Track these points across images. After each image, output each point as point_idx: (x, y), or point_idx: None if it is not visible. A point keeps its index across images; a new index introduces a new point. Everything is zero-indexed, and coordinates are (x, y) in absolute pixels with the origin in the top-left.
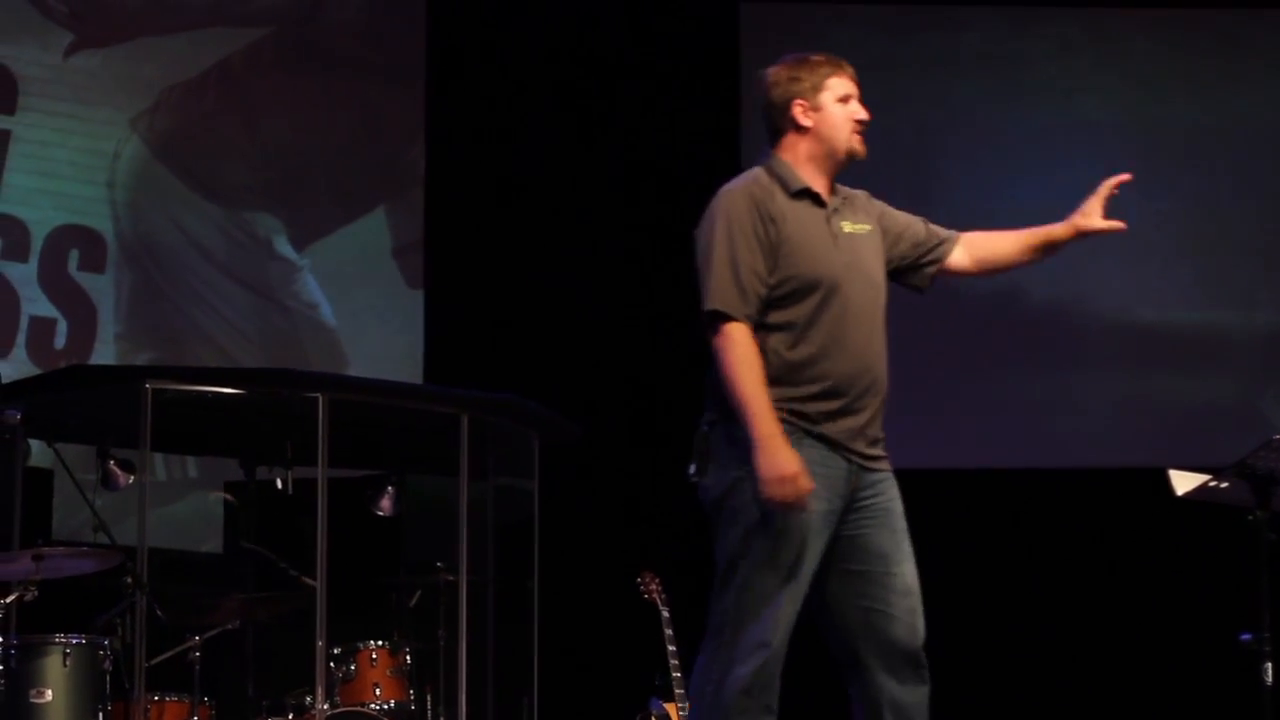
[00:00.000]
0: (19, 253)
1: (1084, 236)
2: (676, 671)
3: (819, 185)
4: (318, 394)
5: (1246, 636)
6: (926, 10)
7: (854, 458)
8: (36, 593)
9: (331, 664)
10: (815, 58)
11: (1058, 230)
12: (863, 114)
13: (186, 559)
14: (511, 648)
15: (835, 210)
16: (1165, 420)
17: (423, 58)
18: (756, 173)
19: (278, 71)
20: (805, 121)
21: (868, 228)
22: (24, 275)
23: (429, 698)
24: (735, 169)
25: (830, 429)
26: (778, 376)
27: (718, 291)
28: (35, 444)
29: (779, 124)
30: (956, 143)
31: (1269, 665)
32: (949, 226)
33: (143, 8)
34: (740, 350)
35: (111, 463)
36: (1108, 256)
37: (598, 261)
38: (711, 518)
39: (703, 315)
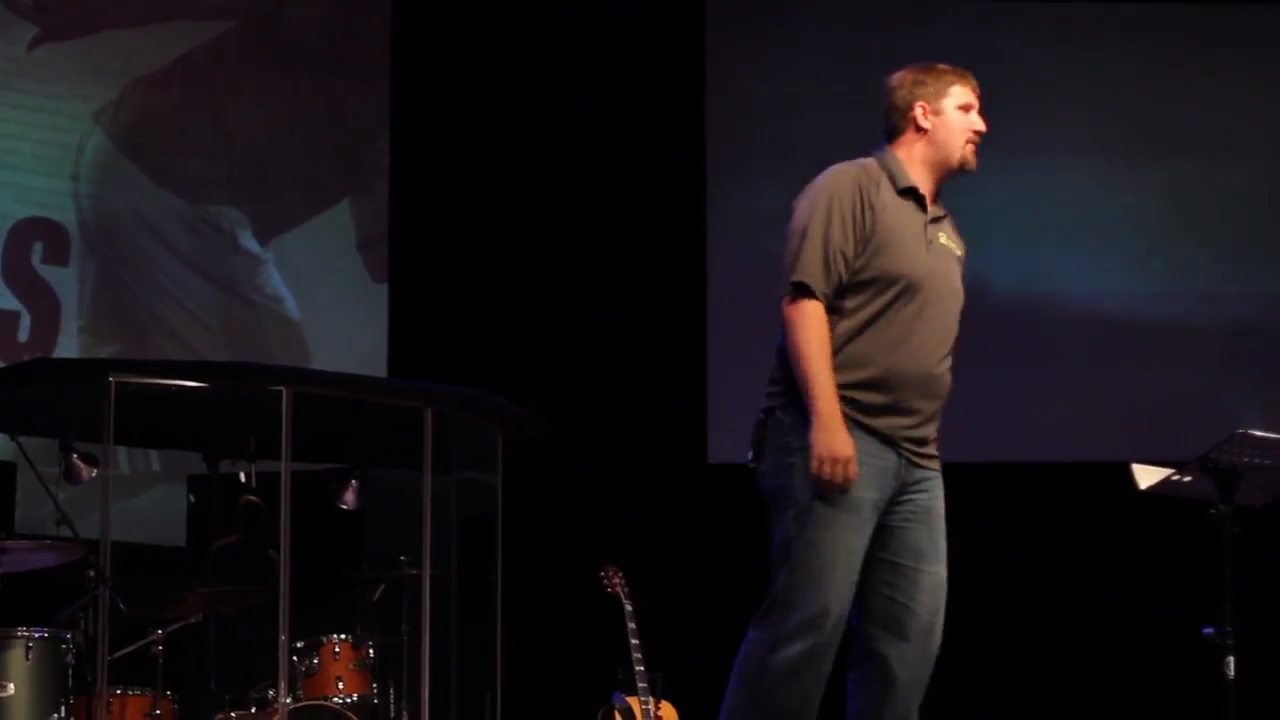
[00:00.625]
0: None
1: None
2: (639, 665)
3: (925, 188)
4: (281, 387)
5: (1209, 630)
6: (896, 4)
7: (904, 453)
8: None
9: (294, 657)
10: (941, 66)
11: None
12: (981, 125)
13: (150, 553)
14: (475, 641)
15: (935, 219)
16: (1129, 414)
17: (387, 51)
18: (867, 161)
19: (242, 65)
20: (925, 123)
21: (958, 250)
22: None
23: (392, 691)
24: (701, 160)
25: (881, 423)
26: (839, 361)
27: (806, 264)
28: None
29: (898, 124)
30: None
31: (1231, 659)
32: None
33: (107, 1)
34: (814, 326)
35: (75, 456)
36: (1073, 251)
37: (562, 256)
38: (768, 504)
39: (785, 284)
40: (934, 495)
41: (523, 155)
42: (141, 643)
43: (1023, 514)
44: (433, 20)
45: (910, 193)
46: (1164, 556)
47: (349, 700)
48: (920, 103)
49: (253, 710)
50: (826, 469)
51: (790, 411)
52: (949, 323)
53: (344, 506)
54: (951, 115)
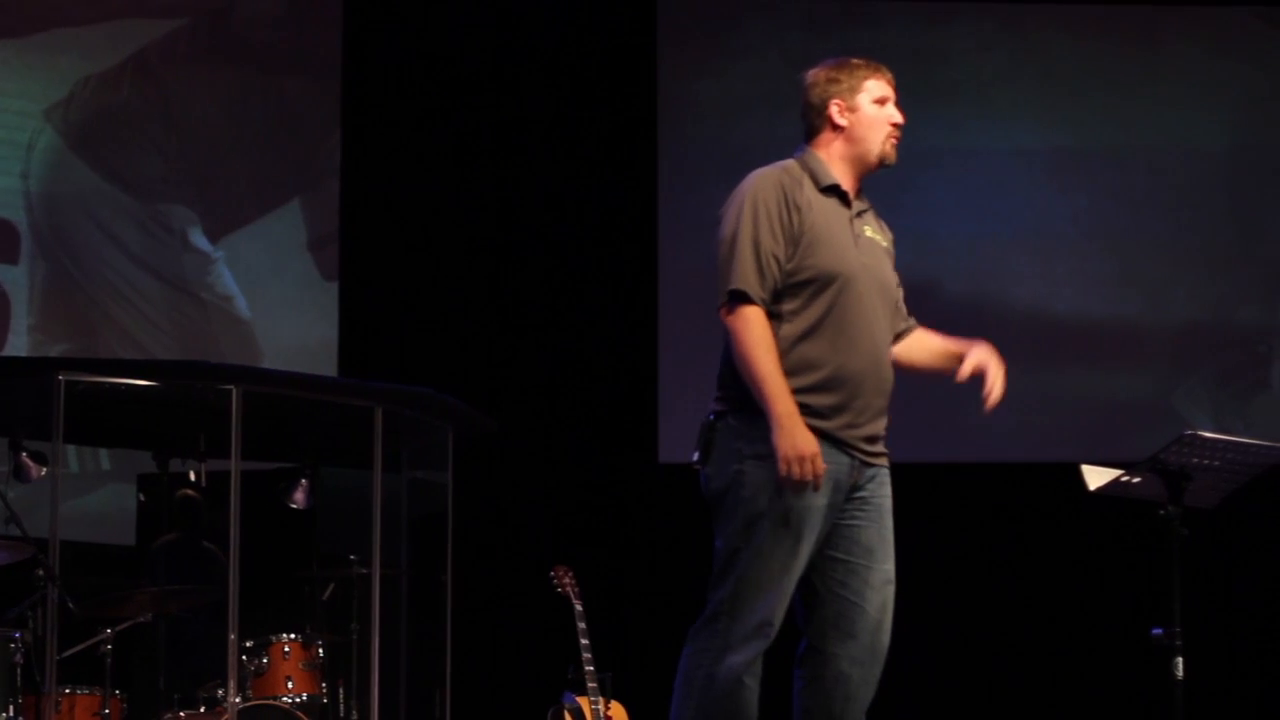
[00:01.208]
0: None
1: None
2: (589, 665)
3: (848, 185)
4: (231, 386)
5: (1158, 631)
6: (846, 5)
7: (855, 453)
8: None
9: (244, 657)
10: (855, 60)
11: (949, 360)
12: (898, 117)
13: (99, 552)
14: (424, 641)
15: (859, 213)
16: (1078, 415)
17: (338, 50)
18: (788, 163)
19: (193, 63)
20: (841, 121)
21: (885, 241)
22: None
23: (341, 690)
24: (653, 160)
25: (834, 424)
26: (788, 367)
27: (740, 272)
28: None
29: (815, 123)
30: None
31: (1180, 659)
32: None
33: None
34: (758, 332)
35: (24, 455)
36: (1023, 252)
37: (513, 255)
38: (711, 508)
39: (721, 295)
40: (883, 493)
41: (474, 155)
42: (90, 642)
43: (972, 514)
44: (384, 19)
45: (833, 190)
46: (1113, 557)
47: (298, 700)
48: (835, 100)
49: (201, 710)
50: (795, 469)
51: (740, 416)
52: (885, 317)
53: (294, 505)
54: (867, 110)
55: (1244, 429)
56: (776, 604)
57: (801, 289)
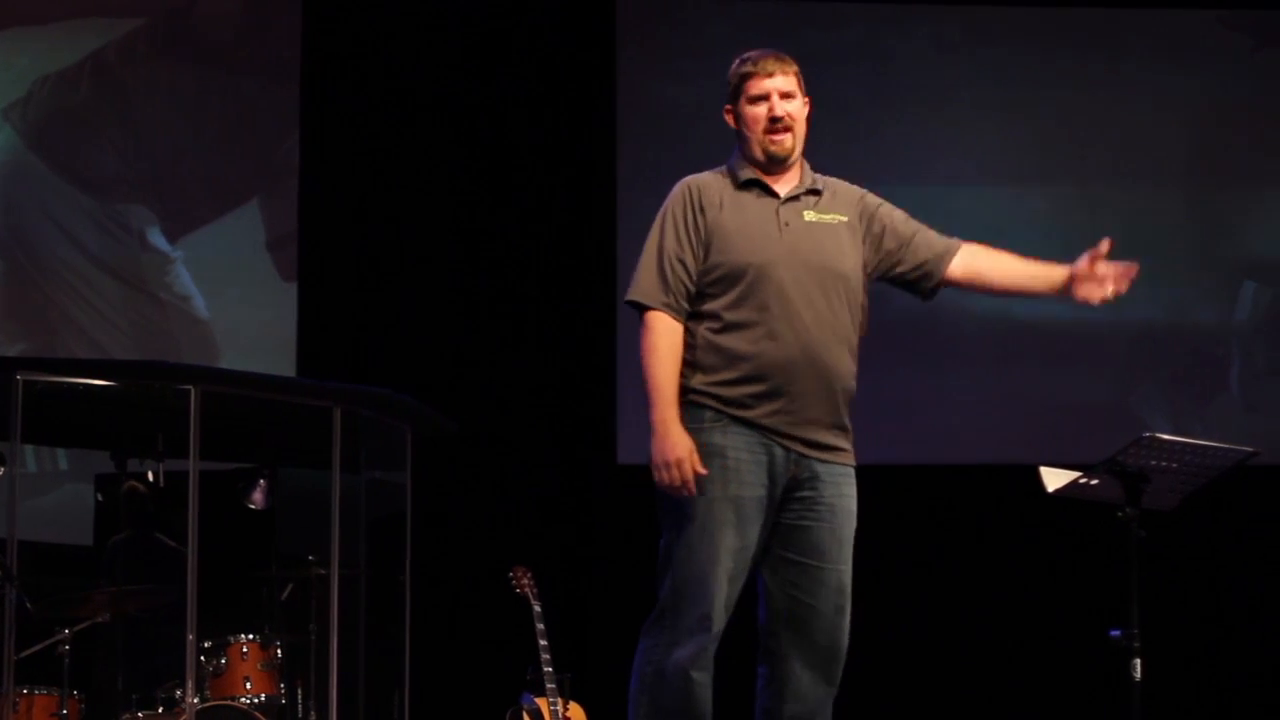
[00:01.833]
0: None
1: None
2: (548, 666)
3: (769, 178)
4: (190, 386)
5: (1116, 632)
6: (806, 6)
7: (792, 445)
8: None
9: (202, 657)
10: (738, 61)
11: (1052, 282)
12: (762, 114)
13: (56, 552)
14: (383, 641)
15: (794, 200)
16: (1037, 417)
17: (298, 50)
18: (720, 167)
19: (152, 63)
20: (732, 125)
21: (841, 218)
22: None
23: (300, 691)
24: (612, 164)
25: (758, 415)
26: (705, 363)
27: (638, 281)
28: None
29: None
30: (833, 139)
31: (1138, 661)
32: None
33: None
34: (652, 337)
35: None
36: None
37: (472, 255)
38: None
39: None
40: (839, 493)
41: (433, 156)
42: (48, 642)
43: (930, 516)
44: (344, 19)
45: (751, 184)
46: (1071, 559)
47: (257, 700)
48: (726, 106)
49: (160, 710)
50: (664, 476)
51: None
52: (823, 302)
53: (252, 506)
54: (745, 111)
55: (1202, 431)
56: (713, 597)
57: (717, 285)
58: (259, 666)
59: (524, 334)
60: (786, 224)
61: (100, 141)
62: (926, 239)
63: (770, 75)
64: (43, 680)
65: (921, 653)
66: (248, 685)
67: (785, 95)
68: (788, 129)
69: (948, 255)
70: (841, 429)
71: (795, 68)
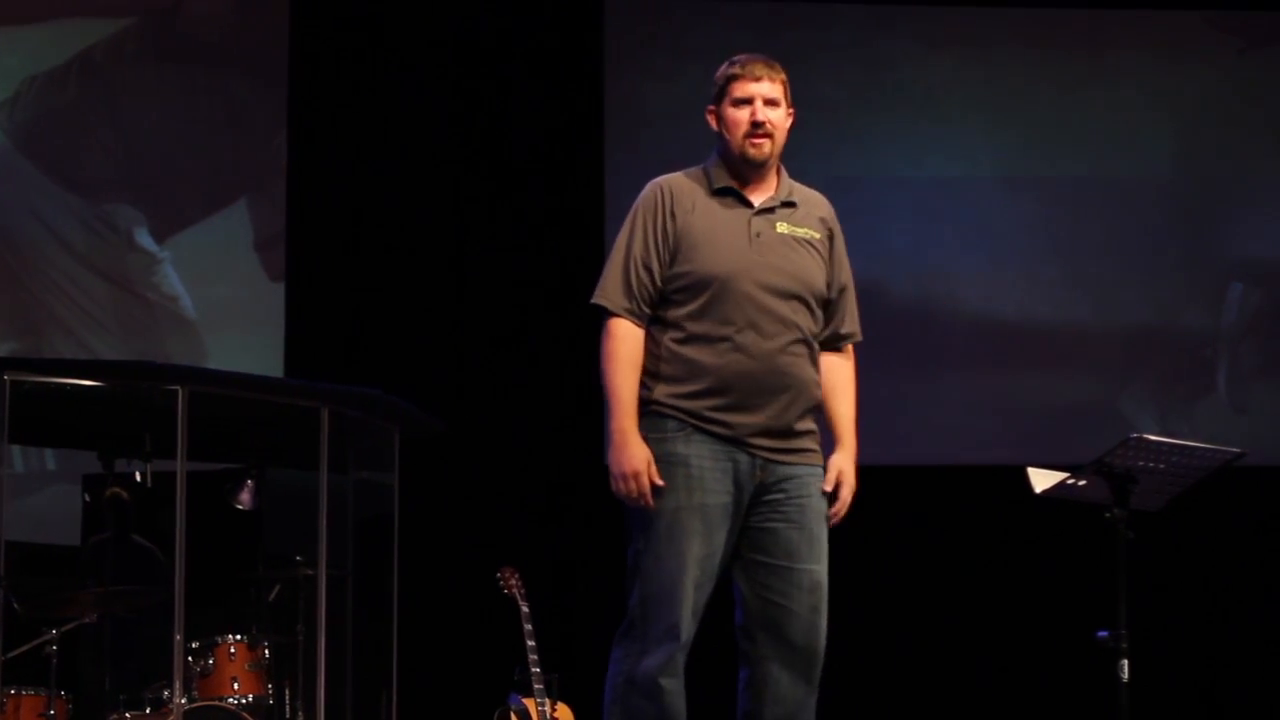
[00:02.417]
0: None
1: None
2: (536, 667)
3: (745, 185)
4: (177, 386)
5: (1103, 633)
6: (792, 7)
7: (757, 451)
8: None
9: (189, 658)
10: (727, 63)
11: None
12: (744, 118)
13: (44, 552)
14: (370, 642)
15: (768, 210)
16: (1025, 418)
17: (286, 50)
18: (694, 169)
19: (140, 63)
20: (714, 126)
21: (814, 234)
22: None
23: (287, 692)
24: (599, 161)
25: (725, 425)
26: (669, 374)
27: (603, 285)
28: None
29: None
30: (819, 140)
31: (1125, 662)
32: None
33: None
34: (613, 344)
35: None
36: (969, 254)
37: (460, 256)
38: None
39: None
40: (808, 495)
41: (421, 157)
42: (36, 642)
43: (918, 517)
44: (331, 20)
45: (726, 191)
46: (1059, 560)
47: (244, 701)
48: (709, 107)
49: (147, 711)
50: (620, 487)
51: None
52: (794, 311)
53: (240, 506)
54: (728, 114)
55: (1189, 432)
56: (680, 606)
57: (683, 294)
58: (246, 667)
59: (512, 334)
60: (758, 234)
61: (88, 141)
62: (839, 309)
63: (757, 80)
64: (30, 680)
65: (908, 653)
66: (235, 686)
67: (770, 102)
68: (768, 135)
69: (829, 343)
70: (808, 432)
71: (784, 76)
